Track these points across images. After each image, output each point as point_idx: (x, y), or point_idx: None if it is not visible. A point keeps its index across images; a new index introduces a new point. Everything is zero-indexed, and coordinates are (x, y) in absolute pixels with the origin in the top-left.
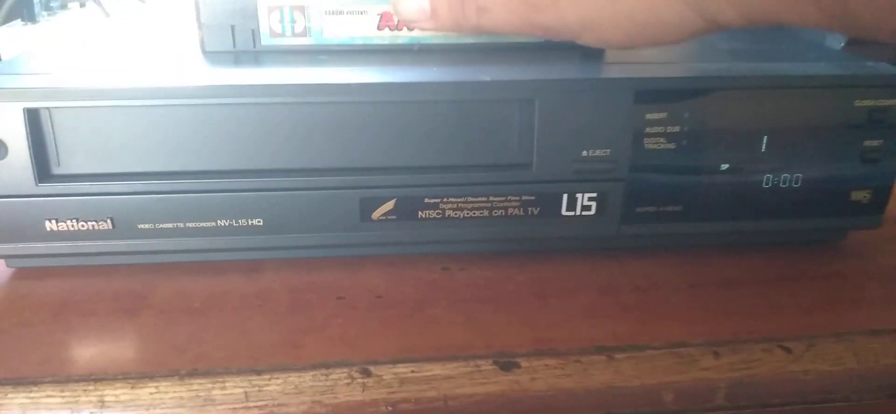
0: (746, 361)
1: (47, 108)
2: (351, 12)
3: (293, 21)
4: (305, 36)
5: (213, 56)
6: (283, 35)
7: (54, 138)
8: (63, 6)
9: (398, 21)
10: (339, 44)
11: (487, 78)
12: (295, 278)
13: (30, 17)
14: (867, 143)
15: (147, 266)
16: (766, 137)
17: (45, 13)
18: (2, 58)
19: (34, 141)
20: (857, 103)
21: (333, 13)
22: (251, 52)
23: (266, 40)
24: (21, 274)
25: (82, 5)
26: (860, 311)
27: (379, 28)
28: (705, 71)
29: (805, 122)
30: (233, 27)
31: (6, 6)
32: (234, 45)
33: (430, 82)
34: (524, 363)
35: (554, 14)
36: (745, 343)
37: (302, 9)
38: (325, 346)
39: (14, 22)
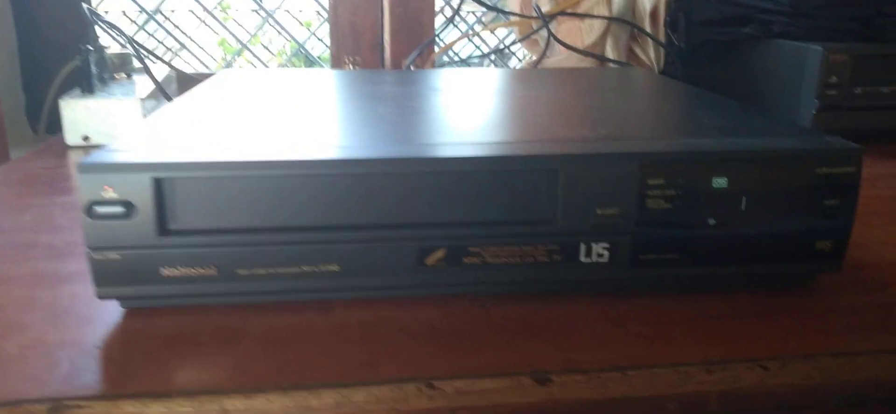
0: (732, 377)
1: (170, 178)
2: None
3: None
4: None
5: None
6: None
7: (173, 200)
8: (111, 78)
9: None
10: None
11: (521, 152)
12: (363, 315)
13: (88, 89)
14: (827, 202)
15: (239, 306)
16: (744, 198)
17: (99, 84)
18: (64, 123)
19: (157, 203)
20: (818, 171)
21: None
22: None
23: None
24: (131, 314)
25: (128, 76)
26: (824, 338)
27: None
28: (696, 146)
29: (777, 186)
30: None
31: (60, 76)
32: None
33: (475, 156)
34: (556, 379)
35: None
36: (732, 362)
37: None
38: (396, 365)
39: (74, 91)
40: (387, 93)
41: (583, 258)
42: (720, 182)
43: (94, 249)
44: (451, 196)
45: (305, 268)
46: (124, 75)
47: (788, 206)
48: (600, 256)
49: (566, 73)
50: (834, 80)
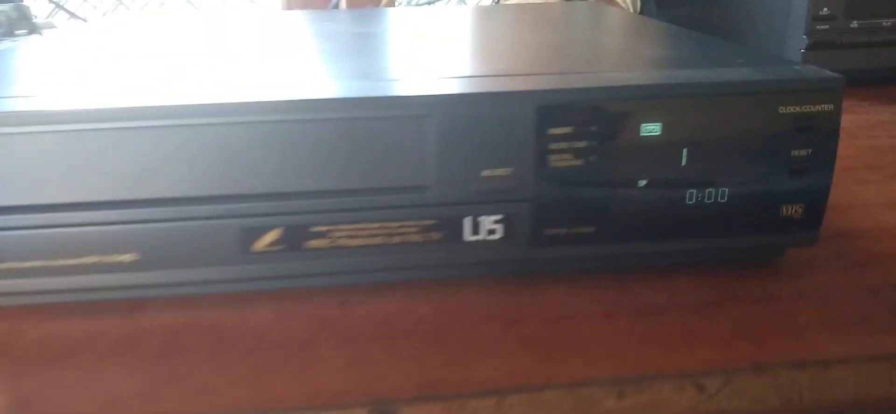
0: (654, 402)
1: None
2: None
3: None
4: None
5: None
6: None
7: None
8: (7, 33)
9: None
10: None
11: (379, 93)
12: (175, 319)
13: None
14: (795, 152)
15: (14, 308)
16: (685, 150)
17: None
18: None
19: None
20: (782, 110)
21: None
22: None
23: None
24: None
25: (29, 32)
26: (786, 338)
27: None
28: (613, 80)
29: (728, 132)
30: None
31: None
32: None
33: (317, 99)
34: (405, 409)
35: None
36: (654, 381)
37: None
38: (186, 396)
39: None
40: (276, 34)
41: (468, 236)
42: (651, 129)
43: None
44: (288, 157)
45: (90, 258)
46: (25, 31)
47: (744, 158)
48: (491, 232)
49: (507, 9)
50: (825, 12)
